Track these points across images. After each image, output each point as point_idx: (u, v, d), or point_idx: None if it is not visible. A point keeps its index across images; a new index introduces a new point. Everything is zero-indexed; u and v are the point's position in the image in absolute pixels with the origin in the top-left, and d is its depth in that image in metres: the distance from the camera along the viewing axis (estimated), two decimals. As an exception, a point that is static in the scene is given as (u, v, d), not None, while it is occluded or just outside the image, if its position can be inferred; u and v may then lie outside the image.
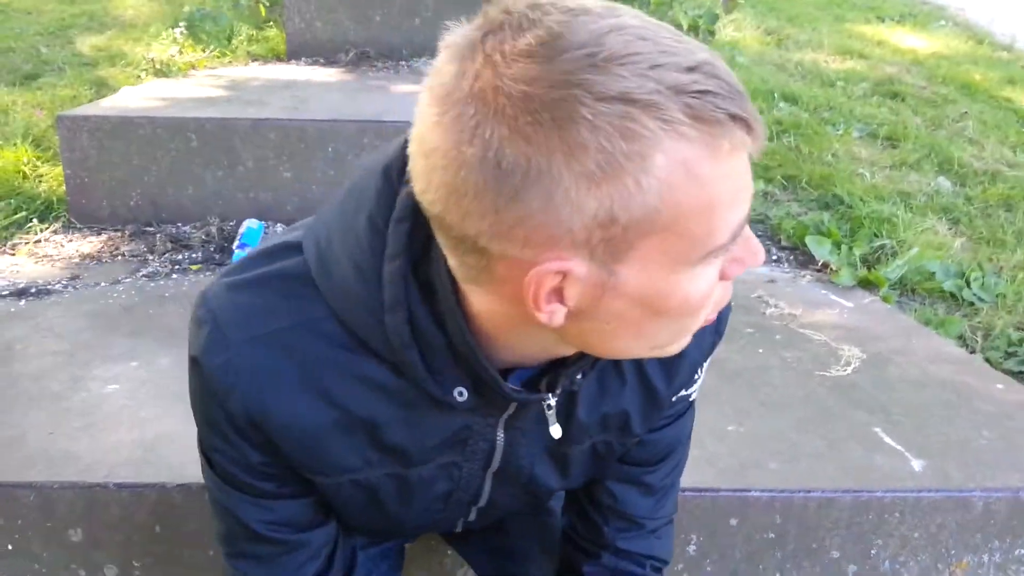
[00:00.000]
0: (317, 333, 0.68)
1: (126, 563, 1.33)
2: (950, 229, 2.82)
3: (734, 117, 0.54)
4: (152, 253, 2.43)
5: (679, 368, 0.82)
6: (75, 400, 1.57)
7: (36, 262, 2.38)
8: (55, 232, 2.56)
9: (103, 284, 2.22)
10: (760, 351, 1.87)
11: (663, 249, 0.57)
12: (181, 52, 3.64)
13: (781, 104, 3.64)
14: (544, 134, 0.52)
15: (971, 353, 2.15)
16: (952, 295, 2.46)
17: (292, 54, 3.74)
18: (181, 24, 3.81)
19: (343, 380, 0.70)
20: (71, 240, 2.52)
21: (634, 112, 0.52)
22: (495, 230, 0.56)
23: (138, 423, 1.47)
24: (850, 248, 2.57)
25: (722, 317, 0.85)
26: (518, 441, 0.79)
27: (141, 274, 2.30)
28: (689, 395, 0.90)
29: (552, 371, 0.73)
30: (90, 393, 1.59)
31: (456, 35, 0.57)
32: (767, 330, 1.99)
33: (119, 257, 2.42)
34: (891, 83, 3.99)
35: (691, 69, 0.53)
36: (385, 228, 0.65)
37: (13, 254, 2.43)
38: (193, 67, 3.55)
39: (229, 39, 3.81)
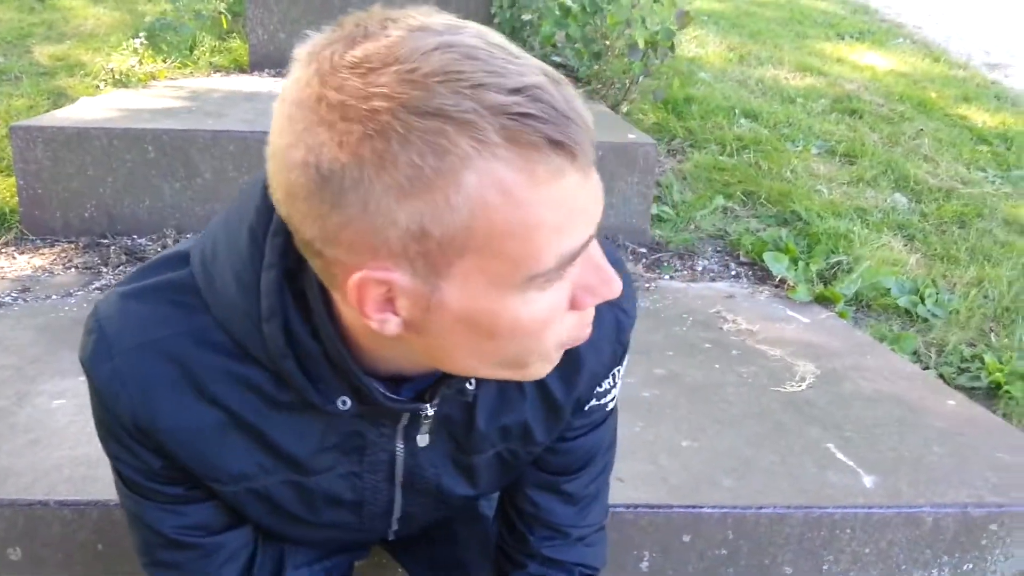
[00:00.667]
0: (202, 341, 0.69)
1: (68, 584, 1.30)
2: (905, 245, 2.86)
3: (553, 142, 0.54)
4: (106, 266, 2.39)
5: (579, 379, 0.81)
6: (21, 416, 1.53)
7: (-14, 274, 2.33)
8: (7, 244, 2.51)
9: (54, 297, 2.18)
10: (716, 366, 1.88)
11: (481, 268, 0.57)
12: (141, 63, 3.59)
13: (742, 120, 3.67)
14: (357, 144, 0.53)
15: (925, 369, 2.18)
16: (907, 311, 2.49)
17: (255, 65, 3.72)
18: (141, 34, 3.76)
19: (228, 386, 0.70)
20: (23, 252, 2.47)
21: (447, 130, 0.52)
22: (324, 234, 0.57)
23: (83, 439, 1.44)
24: (807, 264, 2.60)
25: (623, 327, 0.83)
26: (419, 451, 0.79)
27: (94, 287, 2.26)
28: (604, 405, 0.89)
29: (445, 382, 0.73)
30: (36, 409, 1.56)
31: (308, 43, 0.59)
32: (724, 346, 2.00)
33: (72, 269, 2.38)
34: (850, 100, 4.04)
35: (515, 91, 0.53)
36: (263, 240, 0.66)
37: (-37, 266, 2.38)
38: (153, 78, 3.51)
39: (191, 50, 3.77)
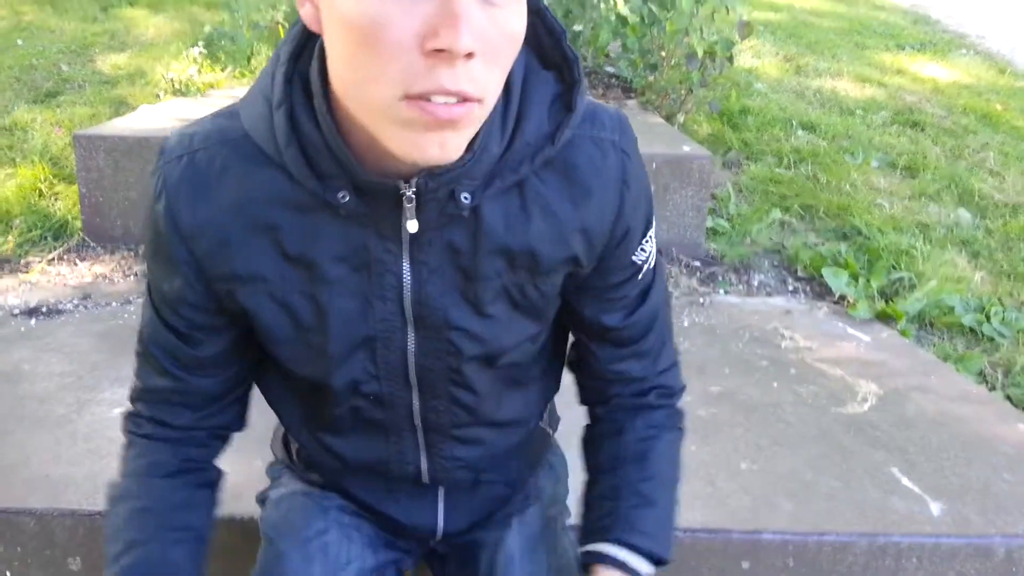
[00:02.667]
0: (231, 148, 0.78)
1: (125, 593, 1.31)
2: (970, 262, 2.78)
3: None
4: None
5: (585, 205, 0.83)
6: (80, 424, 1.55)
7: (49, 281, 2.38)
8: (68, 250, 2.57)
9: (114, 304, 2.21)
10: (775, 385, 1.84)
11: None
12: (200, 72, 3.66)
13: (799, 132, 3.61)
14: None
15: (991, 390, 2.11)
16: (972, 330, 2.42)
17: (310, 75, 3.76)
18: (200, 44, 3.83)
19: (248, 185, 0.78)
20: (84, 259, 2.52)
21: None
22: None
23: (142, 448, 1.46)
24: (868, 280, 2.54)
25: (625, 167, 0.83)
26: (425, 278, 0.82)
27: (153, 294, 2.29)
28: (638, 262, 0.89)
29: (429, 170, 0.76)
30: (95, 417, 1.58)
31: None
32: (782, 363, 1.96)
33: (131, 277, 2.42)
34: (911, 112, 3.95)
35: None
36: (283, 51, 0.76)
37: (27, 272, 2.43)
38: (212, 87, 3.57)
39: (248, 59, 3.83)
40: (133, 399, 0.95)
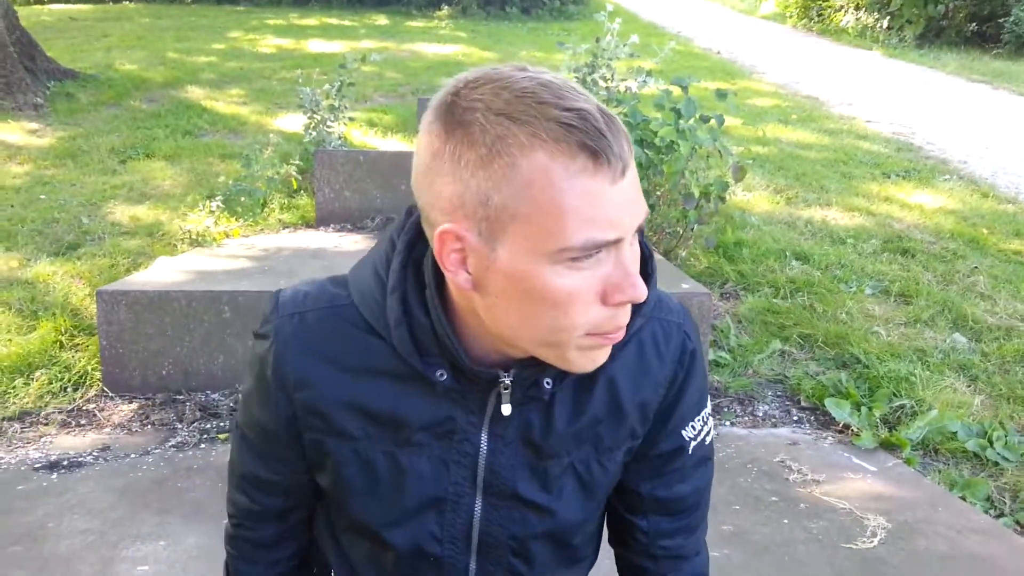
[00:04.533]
0: (340, 314, 0.87)
1: None
2: (969, 386, 2.84)
3: (586, 147, 0.71)
4: (181, 422, 2.49)
5: (643, 382, 0.91)
6: (105, 583, 1.58)
7: (69, 432, 2.44)
8: (87, 401, 2.63)
9: (133, 455, 2.26)
10: (785, 522, 1.87)
11: (525, 236, 0.73)
12: (216, 223, 3.81)
13: (793, 262, 3.73)
14: (453, 130, 0.74)
15: (999, 516, 2.13)
16: (976, 455, 2.45)
17: (321, 221, 3.92)
18: (218, 198, 4.00)
19: (352, 356, 0.87)
20: (103, 409, 2.58)
21: (512, 126, 0.72)
22: (429, 199, 0.77)
23: (166, 607, 1.48)
24: (870, 409, 2.59)
25: (685, 348, 0.93)
26: (500, 450, 0.89)
27: (170, 444, 2.35)
28: (687, 437, 0.95)
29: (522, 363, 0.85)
30: None
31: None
32: (791, 499, 1.99)
33: (149, 426, 2.47)
34: (900, 239, 4.09)
35: (568, 109, 0.71)
36: (398, 239, 0.85)
37: (46, 423, 2.49)
38: (227, 236, 3.71)
39: (262, 208, 4.00)
40: (229, 517, 1.03)
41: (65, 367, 2.76)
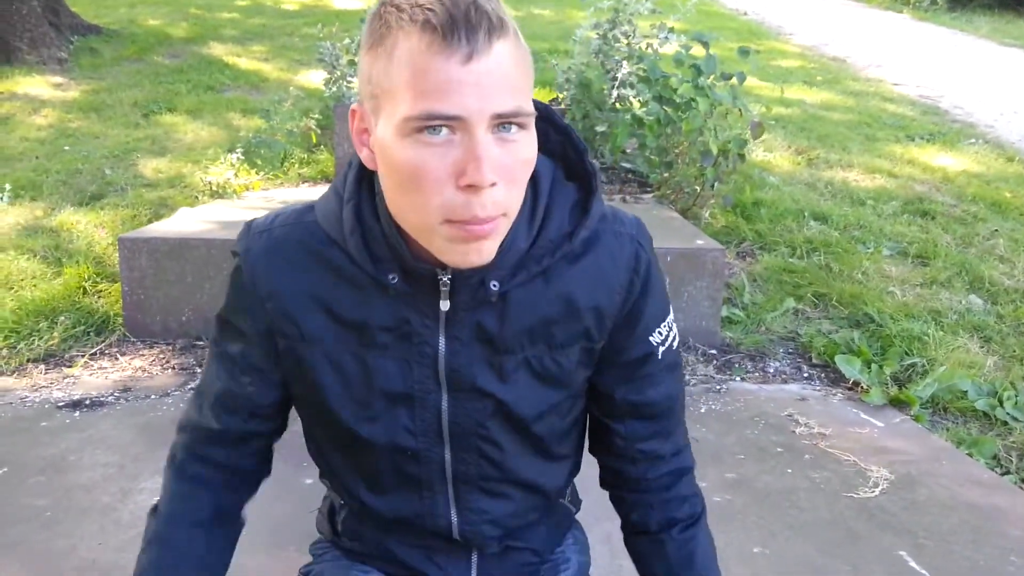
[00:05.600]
0: (304, 228, 0.94)
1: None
2: (982, 347, 2.83)
3: (432, 26, 0.77)
4: (200, 366, 2.54)
5: (599, 287, 0.96)
6: (124, 512, 1.64)
7: (91, 374, 2.50)
8: (110, 345, 2.70)
9: (153, 397, 2.32)
10: (789, 471, 1.89)
11: (388, 109, 0.80)
12: (237, 175, 3.85)
13: (811, 223, 3.72)
14: (368, 20, 0.83)
15: (1005, 474, 2.14)
16: (985, 414, 2.46)
17: (340, 175, 3.94)
18: (238, 149, 4.04)
19: (316, 265, 0.93)
20: (124, 353, 2.65)
21: (394, 13, 0.79)
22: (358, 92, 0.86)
23: (182, 536, 1.53)
24: (880, 367, 2.60)
25: (639, 257, 0.96)
26: (457, 350, 0.95)
27: (189, 387, 2.40)
28: (654, 343, 1.00)
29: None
30: (138, 505, 1.66)
31: None
32: (796, 450, 2.02)
33: (169, 370, 2.53)
34: (921, 202, 4.06)
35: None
36: (355, 157, 0.91)
37: (70, 366, 2.55)
38: (248, 188, 3.75)
39: (282, 162, 4.03)
40: (180, 429, 1.08)
41: (88, 312, 2.83)
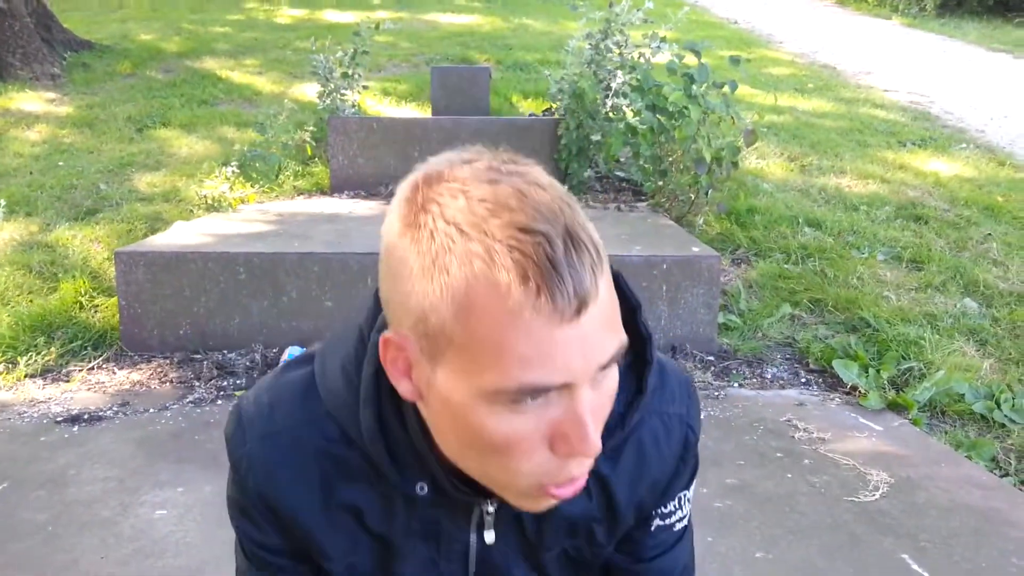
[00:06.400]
0: (317, 430, 0.79)
1: None
2: (978, 351, 2.85)
3: (527, 278, 0.61)
4: (199, 380, 2.54)
5: (641, 483, 0.86)
6: (124, 526, 1.64)
7: (89, 389, 2.50)
8: (107, 360, 2.69)
9: (151, 410, 2.32)
10: (788, 476, 1.90)
11: (461, 366, 0.64)
12: (232, 188, 3.85)
13: (806, 229, 3.73)
14: (406, 228, 0.65)
15: (1004, 476, 2.15)
16: (983, 417, 2.47)
17: (336, 187, 3.96)
18: (233, 163, 4.04)
19: (334, 471, 0.80)
20: (122, 367, 2.64)
21: (459, 241, 0.62)
22: (384, 297, 0.69)
23: (184, 549, 1.54)
24: (878, 371, 2.61)
25: (689, 443, 0.87)
26: (491, 548, 0.85)
27: (188, 400, 2.40)
28: (671, 526, 0.91)
29: None
30: (139, 519, 1.66)
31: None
32: (796, 455, 2.02)
33: (167, 384, 2.53)
34: (914, 207, 4.07)
35: (523, 231, 0.61)
36: (368, 336, 0.75)
37: (68, 381, 2.55)
38: (243, 201, 3.75)
39: (277, 175, 4.03)
40: None
41: (85, 327, 2.82)
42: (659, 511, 0.90)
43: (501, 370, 0.62)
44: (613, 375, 0.69)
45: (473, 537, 0.85)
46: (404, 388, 0.70)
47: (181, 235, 2.96)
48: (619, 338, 0.66)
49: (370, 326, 0.76)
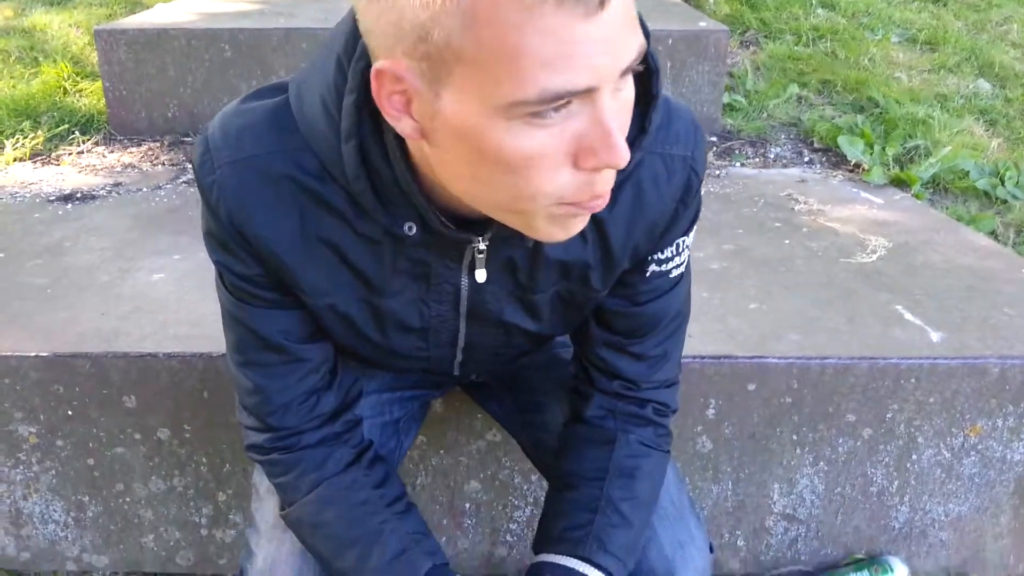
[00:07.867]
0: (293, 161, 0.75)
1: (177, 427, 1.42)
2: (987, 130, 2.78)
3: None
4: (191, 162, 2.49)
5: (636, 226, 0.84)
6: (124, 288, 1.64)
7: (79, 171, 2.46)
8: (96, 143, 2.64)
9: (145, 189, 2.29)
10: (786, 242, 1.89)
11: (472, 82, 0.58)
12: (213, -30, 3.65)
13: (819, 10, 3.56)
14: None
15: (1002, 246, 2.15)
16: (986, 193, 2.44)
17: (323, -30, 3.75)
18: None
19: (312, 205, 0.76)
20: (112, 151, 2.59)
21: None
22: (369, 26, 0.62)
23: (184, 307, 1.55)
24: (883, 148, 2.56)
25: (691, 186, 0.84)
26: (482, 288, 0.84)
27: (181, 180, 2.36)
28: (667, 272, 0.90)
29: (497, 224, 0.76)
30: (137, 282, 1.67)
31: None
32: (795, 224, 2.01)
33: (159, 165, 2.49)
34: (933, -13, 3.88)
35: None
36: (348, 66, 0.69)
37: (58, 164, 2.51)
38: (225, -16, 3.56)
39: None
40: (248, 427, 0.93)
41: (71, 111, 2.75)
42: (656, 256, 0.88)
43: (520, 79, 0.56)
44: (630, 84, 0.64)
45: (464, 279, 0.83)
46: (404, 126, 0.64)
47: (162, 14, 2.82)
48: (639, 39, 0.60)
49: (349, 56, 0.69)
